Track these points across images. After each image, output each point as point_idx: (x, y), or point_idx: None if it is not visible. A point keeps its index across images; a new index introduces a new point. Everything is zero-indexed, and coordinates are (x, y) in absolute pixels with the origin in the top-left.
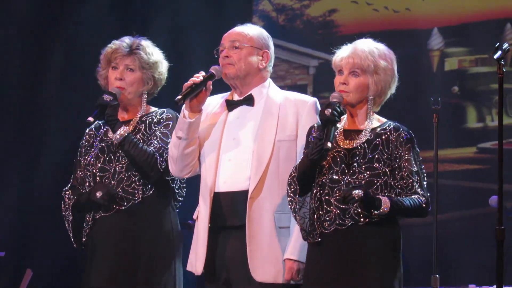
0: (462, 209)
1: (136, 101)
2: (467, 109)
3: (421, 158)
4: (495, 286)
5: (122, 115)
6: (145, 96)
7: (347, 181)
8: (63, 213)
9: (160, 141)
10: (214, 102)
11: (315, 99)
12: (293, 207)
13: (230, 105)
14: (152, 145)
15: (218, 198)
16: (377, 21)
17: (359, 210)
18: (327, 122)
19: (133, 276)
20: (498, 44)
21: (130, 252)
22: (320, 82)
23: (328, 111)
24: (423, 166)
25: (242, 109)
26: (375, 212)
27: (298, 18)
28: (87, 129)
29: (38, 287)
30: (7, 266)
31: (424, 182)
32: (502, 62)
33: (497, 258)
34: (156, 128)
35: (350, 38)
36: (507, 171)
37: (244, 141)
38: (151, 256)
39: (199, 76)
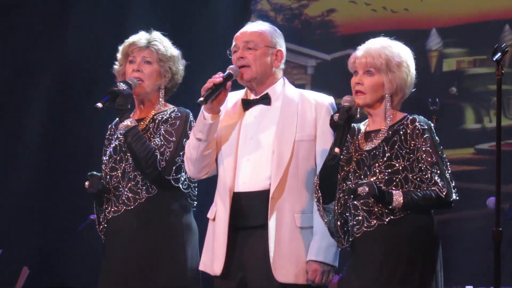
0: (459, 210)
1: (152, 97)
2: (465, 110)
3: (441, 147)
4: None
5: (136, 112)
6: (162, 91)
7: None
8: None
9: (162, 139)
10: (229, 100)
11: (331, 98)
12: (320, 214)
13: (246, 104)
14: (154, 142)
15: (238, 198)
16: (375, 21)
17: (383, 210)
18: (335, 128)
19: (142, 275)
20: (497, 45)
21: (139, 252)
22: (318, 82)
23: (335, 116)
24: (444, 155)
25: (258, 108)
26: (390, 206)
27: (296, 18)
28: (109, 125)
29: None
30: (5, 264)
31: (446, 172)
32: (501, 64)
33: (494, 260)
34: (162, 126)
35: (348, 38)
36: (505, 173)
37: (262, 141)
38: (160, 255)
39: (219, 77)
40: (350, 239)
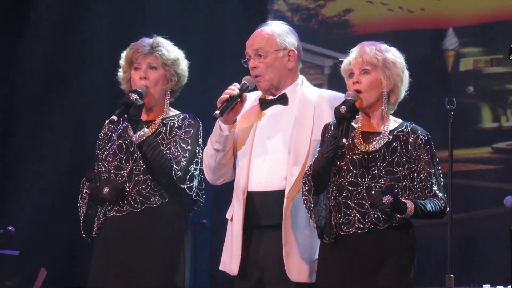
0: (476, 209)
1: (160, 101)
2: (482, 109)
3: (437, 159)
4: (509, 286)
5: (144, 115)
6: (168, 94)
7: (366, 184)
8: (79, 203)
9: (179, 148)
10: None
11: None
12: (307, 205)
13: (263, 103)
14: (170, 151)
15: (252, 198)
16: (392, 21)
17: (379, 215)
18: (342, 119)
19: (141, 277)
20: None
21: (140, 254)
22: (335, 82)
23: (343, 109)
24: (439, 167)
25: (275, 108)
26: (400, 216)
27: (313, 18)
28: (106, 121)
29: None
30: (22, 265)
31: (441, 184)
32: None
33: (511, 258)
34: (177, 134)
35: (365, 38)
36: None
37: (278, 141)
38: (161, 259)
39: (235, 88)
40: (334, 236)
